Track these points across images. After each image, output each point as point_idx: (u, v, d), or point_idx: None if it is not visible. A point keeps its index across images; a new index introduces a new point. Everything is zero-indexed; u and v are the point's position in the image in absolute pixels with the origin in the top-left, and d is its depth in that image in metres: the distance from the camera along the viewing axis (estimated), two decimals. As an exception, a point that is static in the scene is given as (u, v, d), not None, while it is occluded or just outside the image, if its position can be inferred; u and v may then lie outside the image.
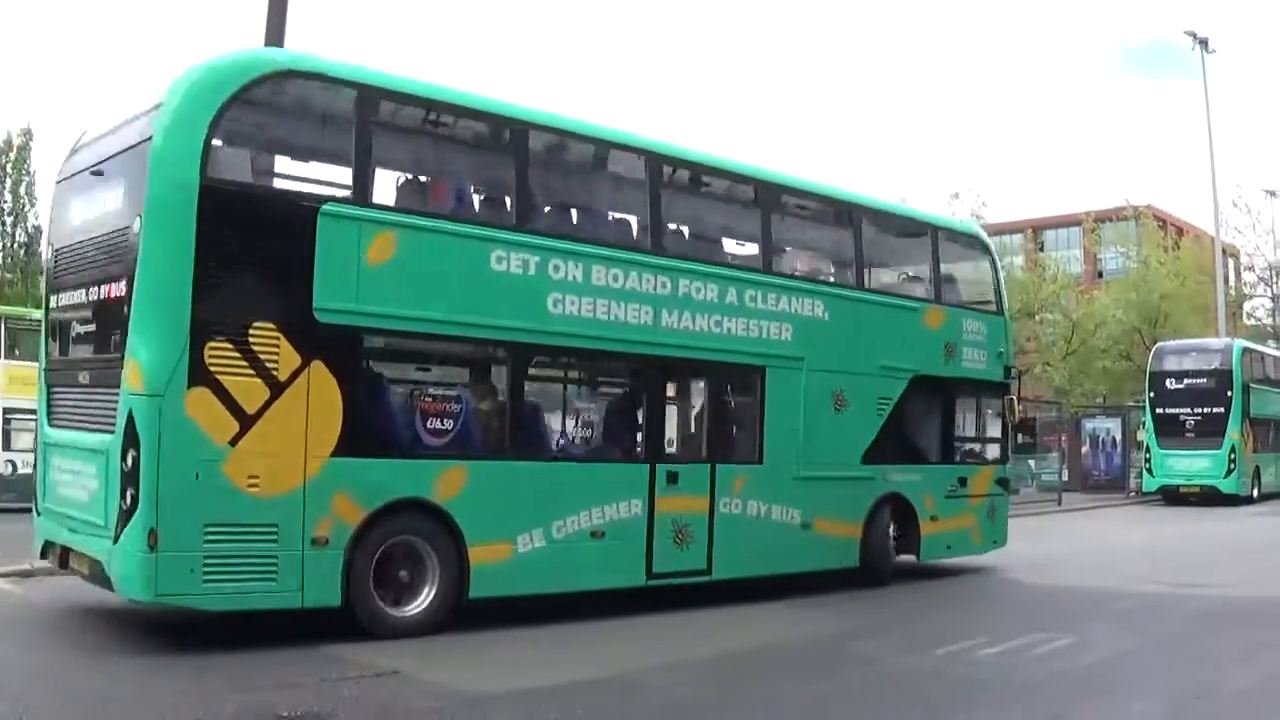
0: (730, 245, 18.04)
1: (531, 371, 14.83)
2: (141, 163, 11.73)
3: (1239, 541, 29.24)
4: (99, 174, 12.75)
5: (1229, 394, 43.13)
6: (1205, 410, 43.24)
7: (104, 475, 11.71)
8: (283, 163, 13.62)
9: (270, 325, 11.88)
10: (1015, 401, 24.12)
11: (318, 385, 12.13)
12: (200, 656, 11.56)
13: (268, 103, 12.81)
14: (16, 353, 30.27)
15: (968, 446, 21.20)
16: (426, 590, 13.06)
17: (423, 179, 14.38)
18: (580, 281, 14.54)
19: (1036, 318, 55.74)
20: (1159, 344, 48.63)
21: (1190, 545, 27.97)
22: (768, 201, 17.60)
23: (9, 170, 61.57)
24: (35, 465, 14.00)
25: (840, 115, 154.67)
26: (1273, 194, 68.80)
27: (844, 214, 19.29)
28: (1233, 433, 42.80)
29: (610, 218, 16.30)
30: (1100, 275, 75.49)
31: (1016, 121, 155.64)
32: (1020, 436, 43.53)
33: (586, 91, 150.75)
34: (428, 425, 13.41)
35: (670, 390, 16.45)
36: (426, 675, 10.99)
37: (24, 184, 59.80)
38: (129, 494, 11.18)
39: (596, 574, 14.70)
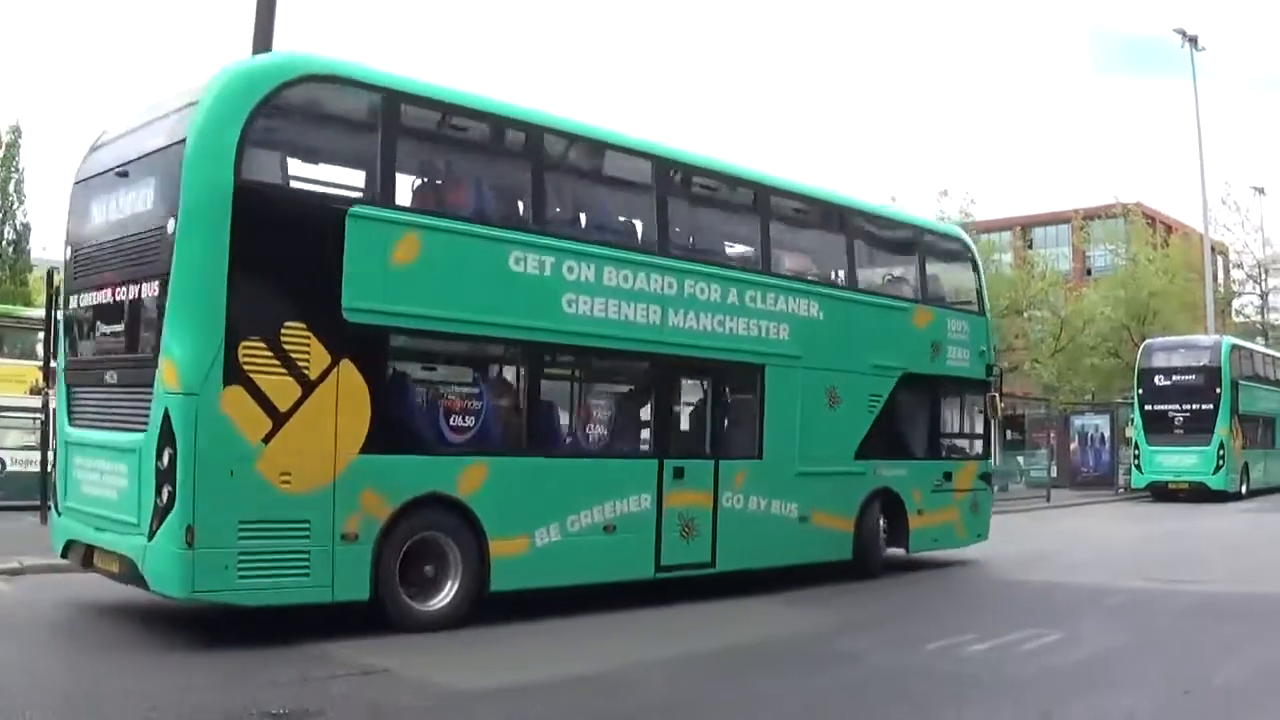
0: (731, 247, 18.45)
1: (547, 370, 15.07)
2: (173, 164, 11.83)
3: (1227, 538, 29.25)
4: (124, 175, 12.83)
5: (1217, 391, 43.20)
6: (1194, 407, 43.33)
7: (137, 473, 11.78)
8: (310, 165, 13.80)
9: (301, 325, 12.04)
10: (998, 399, 24.39)
11: (346, 384, 12.32)
12: (190, 653, 11.61)
13: (297, 106, 12.91)
14: (4, 350, 30.18)
15: (952, 442, 21.75)
16: (449, 584, 13.29)
17: (444, 181, 14.55)
18: (593, 282, 14.84)
19: (1025, 315, 55.85)
20: (1148, 341, 48.68)
21: (1179, 541, 27.98)
22: (767, 204, 18.00)
23: (-2, 167, 61.21)
24: (54, 464, 14.06)
25: (830, 112, 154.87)
26: (1261, 191, 69.24)
27: (837, 216, 19.79)
28: (1221, 429, 42.89)
29: (620, 220, 16.61)
30: (1089, 273, 75.72)
31: (1005, 119, 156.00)
32: (1009, 433, 43.58)
33: (578, 89, 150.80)
34: (450, 422, 13.66)
35: (676, 388, 16.72)
36: (416, 673, 10.96)
37: (13, 181, 59.33)
38: (165, 491, 11.30)
39: (608, 567, 15.01)
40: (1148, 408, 44.54)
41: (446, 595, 13.26)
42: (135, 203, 12.54)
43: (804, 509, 17.74)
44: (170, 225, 11.64)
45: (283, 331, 11.90)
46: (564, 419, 15.50)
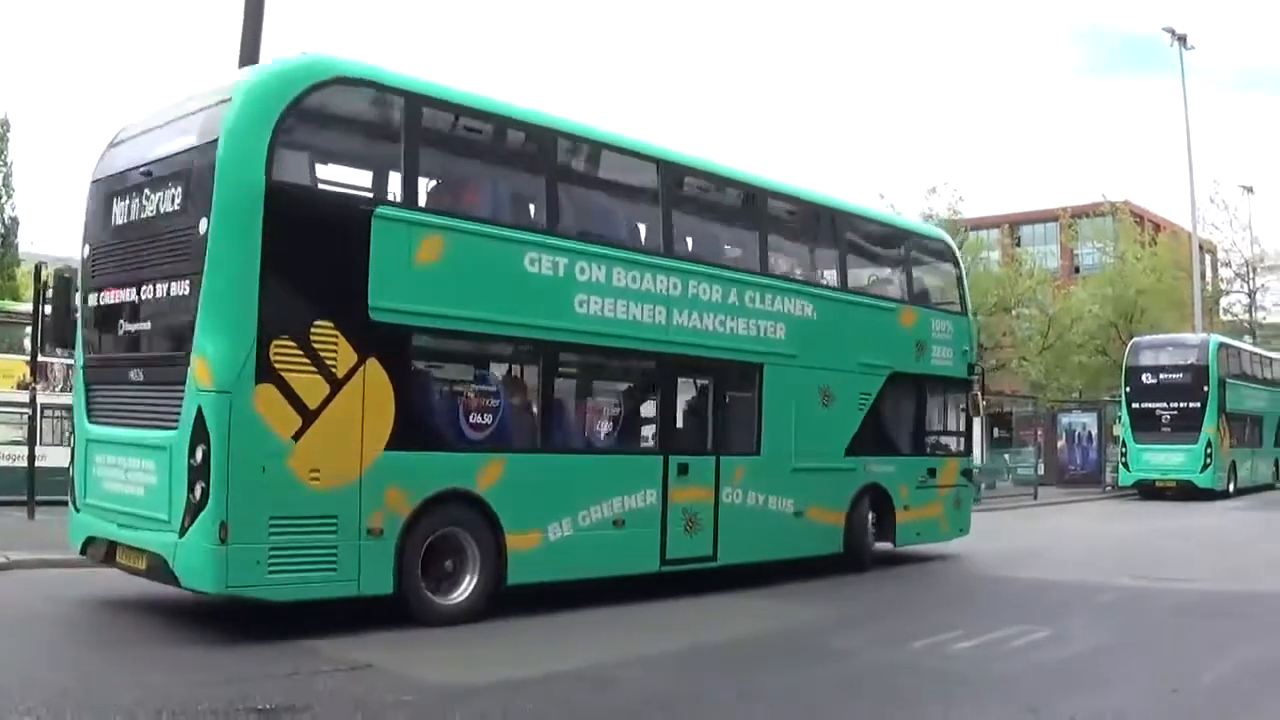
0: (731, 248, 18.68)
1: (560, 368, 15.33)
2: (205, 164, 11.95)
3: (1215, 536, 29.08)
4: (149, 174, 12.93)
5: (1205, 389, 43.13)
6: (1181, 405, 43.31)
7: (167, 470, 11.89)
8: (336, 167, 14.15)
9: (330, 324, 12.23)
10: (979, 397, 25.30)
11: (372, 382, 12.53)
12: (178, 648, 11.65)
13: (325, 108, 13.10)
14: (-9, 344, 30.10)
15: (937, 439, 22.28)
16: (468, 578, 13.53)
17: (465, 183, 14.83)
18: (603, 283, 15.14)
19: (1013, 313, 55.87)
20: (1135, 339, 48.63)
21: (1166, 540, 27.83)
22: (765, 206, 18.52)
23: (-13, 161, 60.86)
24: (71, 461, 14.10)
25: (819, 108, 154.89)
26: (1250, 190, 69.16)
27: (830, 219, 20.29)
28: (1209, 428, 42.81)
29: (627, 222, 16.83)
30: (1077, 270, 75.86)
31: (994, 117, 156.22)
32: (996, 430, 43.63)
33: (567, 84, 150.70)
34: (470, 420, 13.92)
35: (680, 386, 16.98)
36: (401, 669, 10.95)
37: (1, 175, 59.16)
38: (198, 488, 11.43)
39: (617, 560, 15.34)
40: (1135, 406, 44.55)
41: (466, 589, 13.50)
42: (162, 202, 12.63)
43: (799, 504, 18.19)
44: (203, 225, 11.75)
45: (312, 330, 12.10)
46: (575, 416, 15.78)
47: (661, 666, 11.82)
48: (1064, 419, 50.27)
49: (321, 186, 13.41)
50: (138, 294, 12.87)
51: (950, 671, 11.75)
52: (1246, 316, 70.12)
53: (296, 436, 11.89)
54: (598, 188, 16.82)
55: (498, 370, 14.86)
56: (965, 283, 24.15)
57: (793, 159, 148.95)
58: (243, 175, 11.76)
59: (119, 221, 13.39)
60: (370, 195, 13.61)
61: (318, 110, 12.92)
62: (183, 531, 11.56)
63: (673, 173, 16.82)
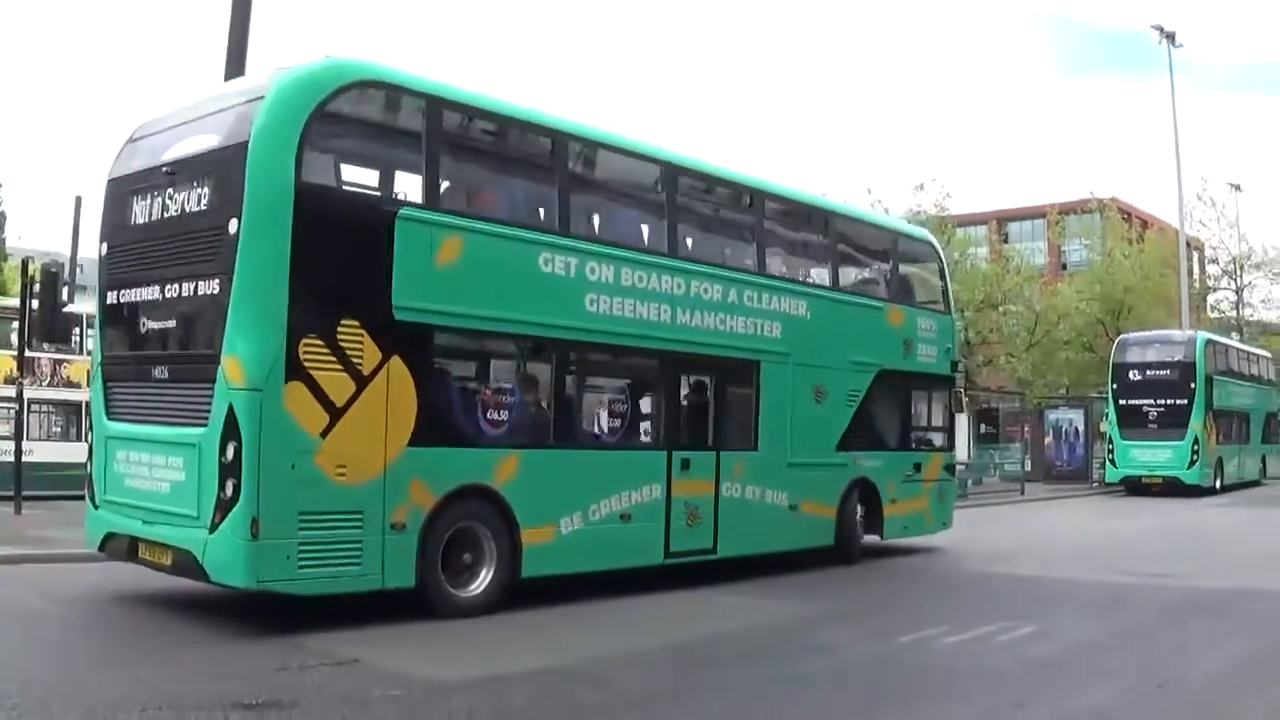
0: (731, 249, 19.13)
1: (571, 366, 15.69)
2: (234, 165, 12.09)
3: (1201, 532, 29.05)
4: (172, 173, 13.06)
5: (1192, 386, 43.00)
6: (1168, 402, 43.24)
7: (195, 467, 12.05)
8: (361, 168, 14.39)
9: (356, 323, 12.48)
10: (962, 394, 26.12)
11: (396, 379, 12.78)
12: (166, 643, 11.73)
13: (351, 110, 13.34)
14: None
15: (922, 435, 22.77)
16: (484, 572, 13.81)
17: (483, 185, 15.16)
18: (612, 282, 15.49)
19: (1000, 309, 55.86)
20: (1122, 336, 48.46)
21: (1153, 536, 27.75)
22: (762, 207, 18.84)
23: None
24: (89, 458, 14.13)
25: (806, 103, 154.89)
26: (1238, 188, 69.16)
27: (822, 219, 20.76)
28: (1195, 424, 42.70)
29: (635, 223, 17.26)
30: (1064, 267, 75.80)
31: (982, 114, 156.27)
32: (983, 427, 43.62)
33: (557, 82, 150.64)
34: (488, 416, 14.24)
35: (683, 383, 17.33)
36: (388, 663, 10.95)
37: (-13, 172, 58.86)
38: (229, 484, 11.61)
39: (624, 554, 15.71)
40: (1122, 402, 44.47)
41: (482, 582, 13.79)
42: (188, 201, 12.76)
43: (793, 498, 18.63)
44: (233, 225, 11.90)
45: (339, 329, 12.32)
46: (586, 413, 16.13)
47: (648, 662, 11.87)
48: (1051, 415, 50.28)
49: (346, 188, 13.70)
50: (161, 292, 12.99)
51: (936, 666, 11.81)
52: (1234, 313, 70.23)
53: (324, 433, 12.13)
54: (607, 189, 17.10)
55: (513, 368, 15.18)
56: (949, 281, 24.76)
57: (781, 155, 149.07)
58: (273, 176, 11.94)
59: (140, 220, 13.47)
60: (394, 196, 13.80)
61: (344, 112, 13.13)
62: (213, 527, 11.73)
63: (677, 174, 17.11)
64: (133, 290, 13.50)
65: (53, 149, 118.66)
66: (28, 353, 25.39)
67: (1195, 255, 68.74)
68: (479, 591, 13.71)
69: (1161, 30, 55.52)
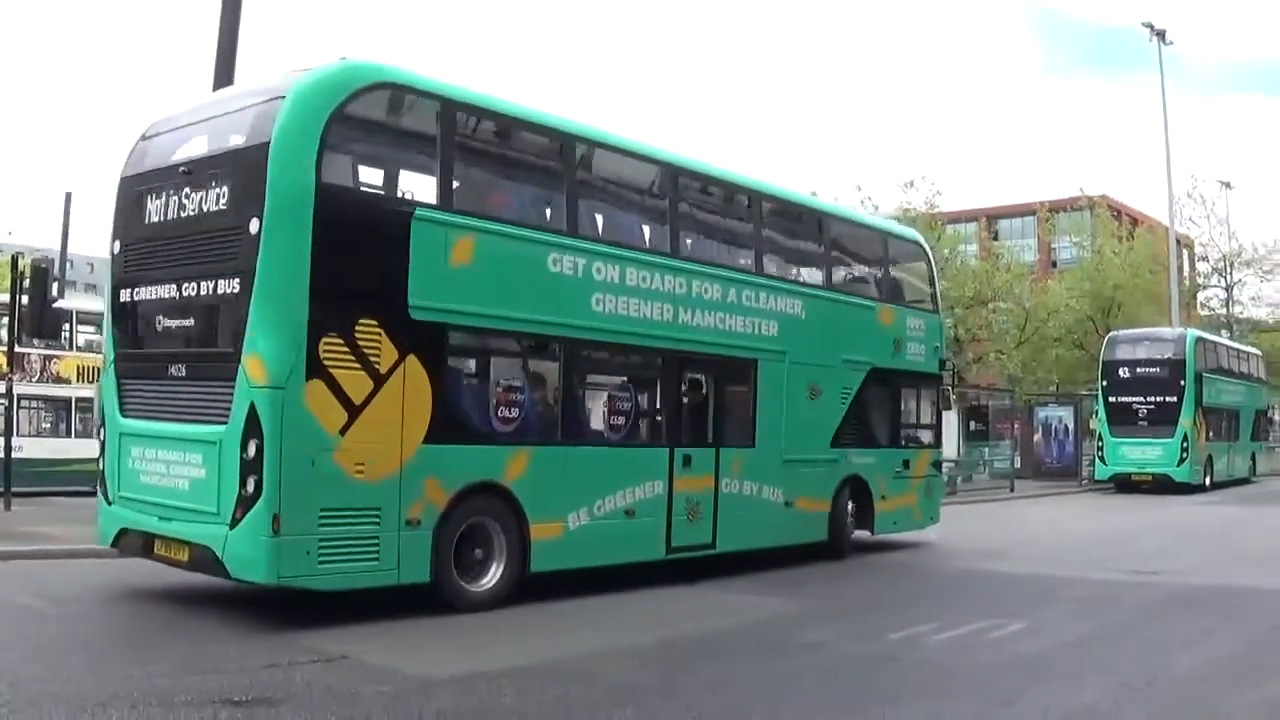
0: (730, 249, 19.37)
1: (578, 364, 15.89)
2: (255, 165, 12.26)
3: (1190, 529, 29.12)
4: (189, 172, 13.19)
5: (1182, 383, 43.00)
6: (1158, 399, 43.21)
7: (215, 464, 12.21)
8: (377, 169, 14.54)
9: (373, 322, 12.69)
10: (950, 391, 27.10)
11: (412, 377, 13.00)
12: (153, 639, 11.81)
13: (367, 112, 13.54)
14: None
15: (911, 432, 23.22)
16: (495, 567, 14.08)
17: (495, 186, 15.40)
18: (617, 282, 15.78)
19: (990, 306, 55.87)
20: (1112, 333, 48.36)
21: (1142, 533, 27.75)
22: (759, 208, 19.22)
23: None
24: (101, 454, 14.26)
25: (797, 99, 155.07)
26: (1228, 185, 69.21)
27: (816, 220, 21.23)
28: (1185, 422, 42.71)
29: (639, 223, 17.61)
30: (1054, 264, 75.99)
31: (972, 111, 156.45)
32: (973, 424, 43.68)
33: (545, 80, 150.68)
34: (499, 414, 14.46)
35: (684, 381, 17.59)
36: (375, 660, 11.00)
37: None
38: (251, 481, 11.79)
39: (628, 548, 16.03)
40: (1112, 400, 44.40)
41: (493, 577, 14.04)
42: (206, 200, 12.88)
43: (788, 494, 19.03)
44: (254, 225, 12.05)
45: (357, 328, 12.52)
46: (591, 410, 16.36)
47: (638, 658, 11.88)
48: (1040, 412, 50.32)
49: (363, 188, 13.96)
50: (178, 291, 13.13)
51: (926, 663, 11.84)
52: (1224, 311, 70.33)
53: (343, 431, 12.33)
54: (612, 190, 17.31)
55: (522, 366, 15.34)
56: (937, 281, 25.22)
57: (771, 152, 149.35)
58: (295, 176, 12.12)
59: (155, 219, 13.58)
60: (410, 197, 13.94)
61: (361, 114, 13.34)
62: (234, 523, 11.91)
63: (679, 175, 17.43)
64: (147, 289, 13.65)
65: (43, 146, 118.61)
66: (17, 348, 25.39)
67: (1185, 253, 68.94)
68: (490, 586, 13.96)
69: (1152, 28, 55.65)
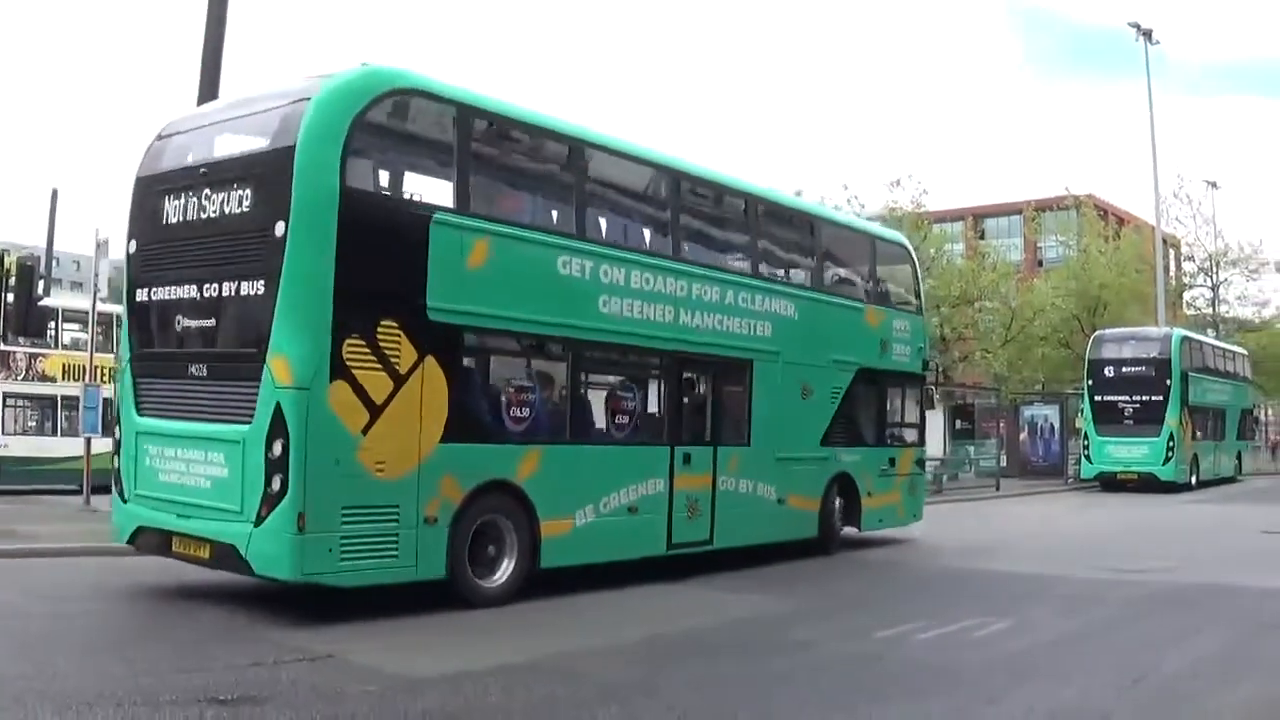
0: (728, 252, 19.94)
1: (585, 364, 16.34)
2: (280, 168, 12.54)
3: (1177, 528, 29.31)
4: (206, 173, 13.45)
5: (1168, 382, 43.38)
6: (1144, 398, 43.59)
7: (240, 463, 12.48)
8: (397, 173, 14.91)
9: (394, 323, 13.03)
10: (933, 391, 28.05)
11: (430, 378, 13.36)
12: (139, 638, 11.92)
13: (387, 117, 13.91)
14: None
15: (896, 431, 23.82)
16: (506, 563, 14.47)
17: (508, 190, 15.83)
18: (623, 284, 16.23)
19: (976, 305, 55.98)
20: (1098, 332, 48.71)
21: (1128, 532, 28.03)
22: (755, 212, 19.85)
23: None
24: (116, 452, 14.52)
25: (782, 98, 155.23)
26: (1214, 185, 69.49)
27: (809, 224, 22.00)
28: (1171, 420, 43.11)
29: (642, 227, 18.14)
30: (1040, 264, 76.17)
31: (959, 110, 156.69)
32: (958, 422, 43.79)
33: (530, 81, 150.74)
34: (511, 413, 14.86)
35: (684, 381, 18.10)
36: (361, 659, 11.06)
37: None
38: (276, 480, 12.10)
39: (631, 545, 16.46)
40: (1098, 398, 44.79)
41: (505, 573, 14.43)
42: (228, 202, 13.10)
43: (781, 491, 19.55)
44: (279, 228, 12.33)
45: (378, 329, 12.86)
46: (597, 410, 16.69)
47: (625, 656, 11.99)
48: (1026, 411, 50.55)
49: (384, 192, 14.33)
50: (199, 291, 13.35)
51: (912, 662, 11.98)
52: (1210, 310, 70.58)
53: (365, 430, 12.68)
54: (618, 194, 17.72)
55: (533, 366, 15.70)
56: (921, 283, 25.92)
57: (758, 151, 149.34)
58: (320, 180, 12.43)
59: (174, 219, 13.79)
60: (429, 200, 14.24)
61: (382, 119, 13.69)
62: (258, 521, 12.19)
63: (681, 180, 17.95)
64: (166, 289, 13.86)
65: (29, 142, 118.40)
66: (2, 346, 25.39)
67: (1171, 252, 69.27)
68: (502, 582, 14.35)
69: (1139, 28, 56.03)
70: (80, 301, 32.85)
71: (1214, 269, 69.43)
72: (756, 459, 18.93)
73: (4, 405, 26.35)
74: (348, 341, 12.50)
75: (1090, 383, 45.36)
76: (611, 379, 17.09)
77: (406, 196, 14.52)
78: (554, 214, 16.15)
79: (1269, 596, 16.54)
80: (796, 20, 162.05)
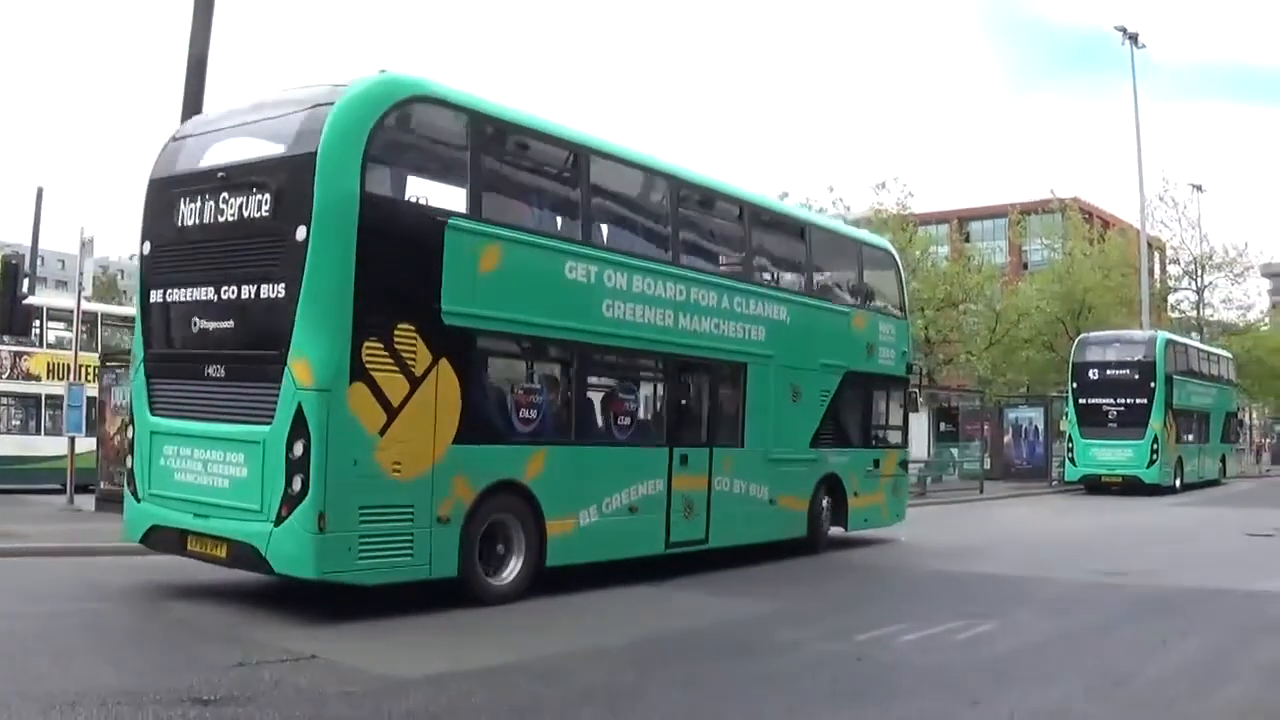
0: (724, 257, 20.61)
1: (589, 367, 16.83)
2: (300, 173, 12.90)
3: (1161, 531, 29.69)
4: (224, 177, 13.75)
5: (1152, 385, 43.89)
6: (1128, 401, 44.21)
7: (260, 463, 12.84)
8: (413, 179, 15.25)
9: (410, 326, 13.46)
10: (916, 394, 29.09)
11: (444, 380, 13.80)
12: (123, 639, 12.12)
13: (405, 123, 14.30)
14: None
15: (880, 433, 24.40)
16: (514, 562, 14.93)
17: (518, 197, 16.15)
18: (625, 289, 16.75)
19: (961, 308, 56.13)
20: (1082, 335, 49.33)
21: (1112, 535, 28.36)
22: (750, 219, 20.34)
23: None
24: (129, 452, 14.77)
25: (769, 100, 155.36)
26: (1199, 189, 69.82)
27: (799, 230, 22.48)
28: (1155, 424, 43.67)
29: (644, 233, 18.55)
30: (1025, 266, 76.43)
31: (945, 113, 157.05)
32: (943, 425, 43.88)
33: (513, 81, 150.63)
34: (520, 415, 15.38)
35: (682, 383, 18.64)
36: (344, 659, 11.15)
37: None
38: (297, 480, 12.48)
39: (632, 544, 16.99)
40: (1082, 401, 45.37)
41: (512, 571, 14.89)
42: (247, 205, 13.43)
43: (773, 492, 20.16)
44: (300, 232, 12.69)
45: (395, 332, 13.28)
46: (601, 412, 17.21)
47: (609, 658, 12.13)
48: (1010, 414, 50.88)
49: (401, 197, 14.67)
50: (216, 293, 13.67)
51: (895, 664, 12.10)
52: (1194, 313, 70.89)
53: (382, 431, 13.09)
54: (621, 201, 18.23)
55: (541, 369, 16.23)
56: (905, 288, 26.59)
57: (744, 152, 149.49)
58: (342, 185, 12.81)
59: (190, 222, 14.09)
60: (443, 206, 14.68)
61: (399, 125, 14.10)
62: (279, 521, 12.56)
63: (681, 187, 18.49)
64: (182, 290, 14.19)
65: (13, 140, 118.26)
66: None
67: (1156, 255, 69.61)
68: (510, 580, 14.81)
69: (1125, 31, 56.51)
70: (65, 300, 32.92)
71: (1199, 272, 69.96)
72: (750, 460, 19.48)
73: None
74: (367, 344, 12.89)
75: (1075, 385, 45.83)
76: (614, 381, 17.58)
77: (421, 202, 14.86)
78: (561, 220, 16.62)
79: (1253, 599, 16.86)
80: (784, 23, 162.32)
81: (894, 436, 24.82)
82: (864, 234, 27.87)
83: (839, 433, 22.41)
